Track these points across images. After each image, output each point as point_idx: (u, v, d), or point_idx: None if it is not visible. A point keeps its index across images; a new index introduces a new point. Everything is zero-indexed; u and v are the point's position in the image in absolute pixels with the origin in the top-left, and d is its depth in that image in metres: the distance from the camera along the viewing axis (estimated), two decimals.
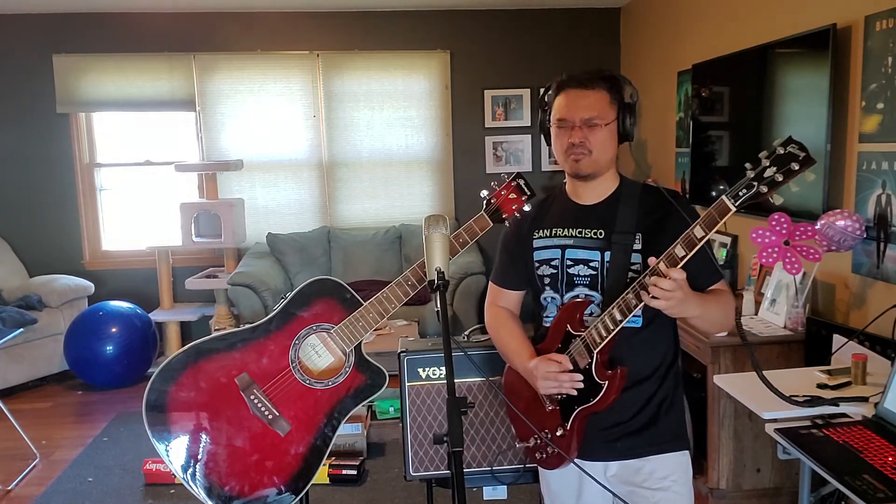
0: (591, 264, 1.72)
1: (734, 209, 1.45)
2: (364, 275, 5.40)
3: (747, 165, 1.45)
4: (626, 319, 1.61)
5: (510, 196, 2.09)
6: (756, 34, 3.62)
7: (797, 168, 1.39)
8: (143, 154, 5.78)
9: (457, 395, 1.43)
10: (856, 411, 2.09)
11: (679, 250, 1.51)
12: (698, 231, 1.49)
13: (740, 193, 1.44)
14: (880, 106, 2.75)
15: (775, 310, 3.12)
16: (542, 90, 1.80)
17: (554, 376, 1.67)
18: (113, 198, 5.83)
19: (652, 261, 1.54)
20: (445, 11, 5.68)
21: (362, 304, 2.14)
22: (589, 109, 1.67)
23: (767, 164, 1.42)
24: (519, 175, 2.12)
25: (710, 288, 1.69)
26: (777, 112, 3.43)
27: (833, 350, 2.60)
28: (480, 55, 5.77)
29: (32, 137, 5.50)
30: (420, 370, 2.35)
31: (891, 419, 1.98)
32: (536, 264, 1.80)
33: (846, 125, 2.97)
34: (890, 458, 1.78)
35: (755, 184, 1.43)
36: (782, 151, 1.40)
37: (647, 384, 1.73)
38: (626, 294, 1.58)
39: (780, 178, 1.40)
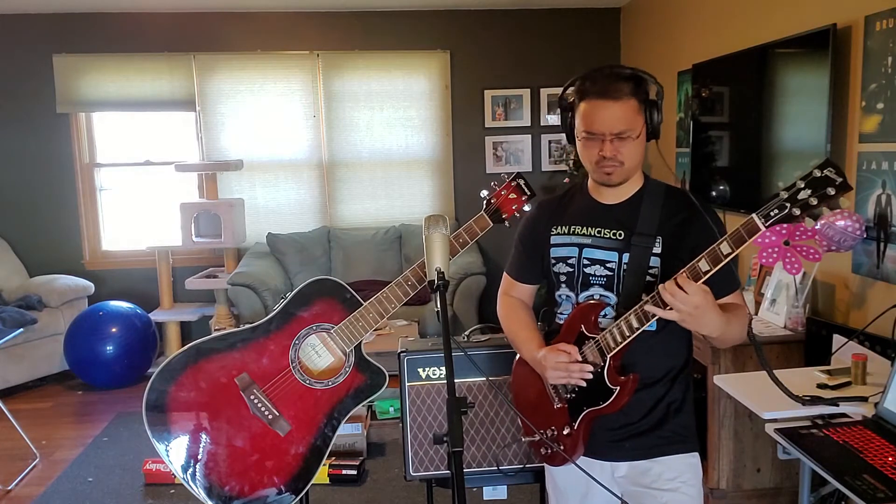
0: (608, 265, 1.70)
1: (764, 229, 1.43)
2: (364, 275, 5.40)
3: (780, 185, 1.43)
4: (644, 327, 1.59)
5: (510, 196, 2.09)
6: (756, 34, 3.62)
7: (833, 193, 1.36)
8: (143, 154, 5.78)
9: (457, 395, 1.43)
10: (856, 411, 2.09)
11: (703, 265, 1.49)
12: (725, 247, 1.47)
13: (771, 213, 1.41)
14: (880, 106, 2.75)
15: (775, 310, 3.12)
16: (562, 89, 1.73)
17: (564, 367, 1.66)
18: (113, 198, 5.83)
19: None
20: (445, 11, 5.68)
21: (362, 304, 2.14)
22: (619, 123, 1.61)
23: (802, 185, 1.38)
24: (519, 175, 2.12)
25: (726, 300, 1.65)
26: (777, 112, 3.43)
27: (833, 350, 2.60)
28: (480, 55, 5.77)
29: (32, 137, 5.50)
30: (420, 370, 2.36)
31: (891, 419, 1.98)
32: (553, 261, 1.79)
33: (846, 125, 2.97)
34: (890, 458, 1.78)
35: (787, 205, 1.40)
36: (819, 174, 1.37)
37: (657, 387, 1.72)
38: (645, 302, 1.56)
39: (815, 202, 1.37)
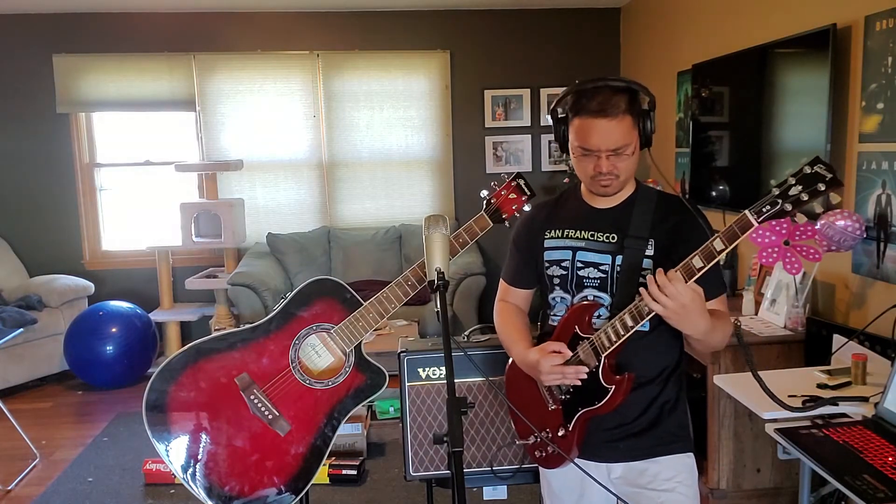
0: (602, 268, 1.72)
1: (756, 224, 1.45)
2: (364, 275, 5.40)
3: (772, 182, 1.45)
4: (638, 325, 1.60)
5: (510, 196, 2.09)
6: (756, 34, 3.62)
7: (823, 188, 1.39)
8: (143, 154, 5.78)
9: (457, 395, 1.43)
10: (856, 411, 2.09)
11: (697, 261, 1.50)
12: (718, 244, 1.48)
13: (764, 210, 1.44)
14: (880, 106, 2.75)
15: (775, 310, 3.12)
16: (554, 101, 1.74)
17: (559, 370, 1.67)
18: (113, 198, 5.83)
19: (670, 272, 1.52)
20: (445, 11, 5.68)
21: (362, 304, 2.14)
22: (615, 140, 1.62)
23: (793, 182, 1.41)
24: (519, 175, 2.12)
25: (711, 305, 1.65)
26: (777, 112, 3.43)
27: (833, 350, 2.60)
28: (480, 55, 5.77)
29: (32, 137, 5.50)
30: (420, 370, 2.35)
31: (891, 419, 1.98)
32: (546, 264, 1.80)
33: (846, 125, 2.97)
34: (890, 458, 1.78)
35: (779, 201, 1.42)
36: (809, 171, 1.40)
37: (651, 387, 1.73)
38: (640, 301, 1.57)
39: (806, 198, 1.41)
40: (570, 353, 1.68)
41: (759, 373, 1.96)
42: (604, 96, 1.61)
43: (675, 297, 1.49)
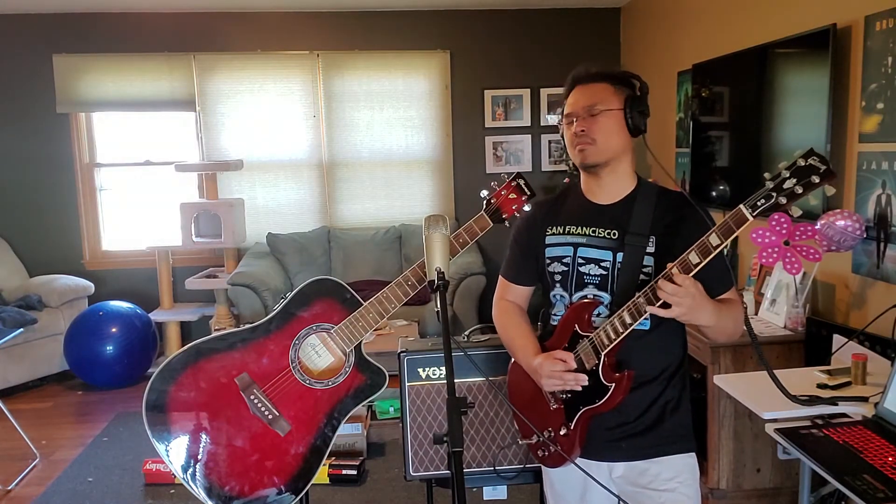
0: (603, 264, 1.71)
1: (751, 219, 1.44)
2: (364, 275, 5.40)
3: (766, 175, 1.44)
4: (636, 323, 1.60)
5: (510, 196, 2.09)
6: (756, 34, 3.62)
7: (817, 181, 1.39)
8: (143, 154, 5.78)
9: (457, 395, 1.43)
10: (856, 411, 2.09)
11: (693, 257, 1.50)
12: (714, 239, 1.49)
13: (758, 203, 1.43)
14: (880, 106, 2.75)
15: (775, 310, 3.12)
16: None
17: (559, 375, 1.67)
18: (113, 198, 5.83)
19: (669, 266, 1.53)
20: (445, 11, 5.68)
21: (362, 304, 2.14)
22: (590, 98, 1.69)
23: (787, 175, 1.41)
24: (519, 175, 2.12)
25: (721, 296, 1.67)
26: (777, 112, 3.43)
27: (833, 350, 2.60)
28: (480, 55, 5.77)
29: (32, 137, 5.50)
30: (420, 370, 2.35)
31: (891, 419, 1.98)
32: (548, 261, 1.80)
33: (846, 125, 2.97)
34: (890, 458, 1.78)
35: (774, 195, 1.42)
36: (803, 163, 1.40)
37: (653, 386, 1.72)
38: (638, 298, 1.57)
39: (800, 191, 1.40)
40: (575, 365, 1.68)
41: (761, 372, 1.96)
42: (591, 69, 1.74)
43: (685, 295, 1.49)
